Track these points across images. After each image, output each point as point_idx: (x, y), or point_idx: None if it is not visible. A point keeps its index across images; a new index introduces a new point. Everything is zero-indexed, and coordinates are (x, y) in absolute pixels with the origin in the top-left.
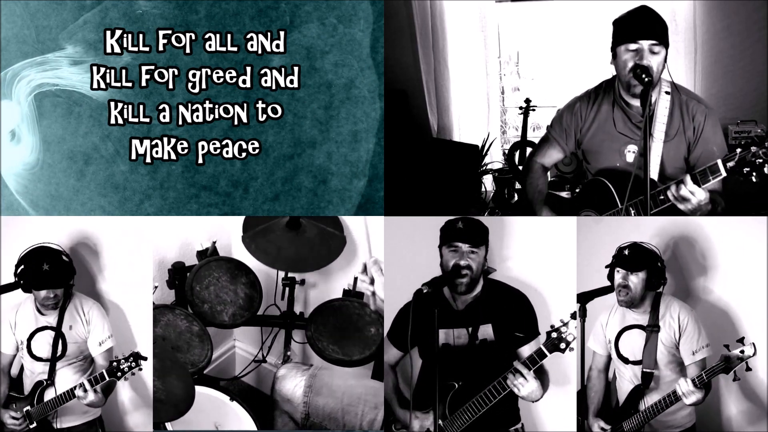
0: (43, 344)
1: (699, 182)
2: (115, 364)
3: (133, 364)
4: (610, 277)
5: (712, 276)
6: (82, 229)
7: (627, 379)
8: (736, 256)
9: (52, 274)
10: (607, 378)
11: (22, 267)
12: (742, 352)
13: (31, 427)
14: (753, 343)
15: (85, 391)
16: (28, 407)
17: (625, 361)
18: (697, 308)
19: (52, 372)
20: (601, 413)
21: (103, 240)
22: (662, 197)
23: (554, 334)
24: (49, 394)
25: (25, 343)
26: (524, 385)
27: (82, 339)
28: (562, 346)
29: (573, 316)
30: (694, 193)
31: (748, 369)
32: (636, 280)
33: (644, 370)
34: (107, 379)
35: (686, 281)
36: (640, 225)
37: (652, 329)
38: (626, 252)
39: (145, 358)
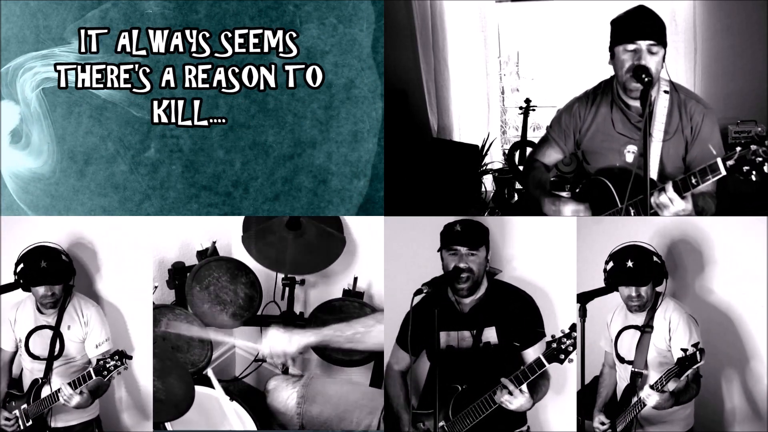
0: (41, 343)
1: (681, 190)
2: (101, 362)
3: (119, 362)
4: (611, 284)
5: (713, 276)
6: (81, 229)
7: (623, 378)
8: (736, 257)
9: (50, 271)
10: (616, 374)
11: (22, 265)
12: (692, 356)
13: (28, 425)
14: (701, 350)
15: (70, 394)
16: (25, 405)
17: (621, 360)
18: (698, 309)
19: (48, 371)
20: (606, 408)
21: (103, 240)
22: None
23: (554, 344)
24: (45, 392)
25: (23, 342)
26: (512, 401)
27: (79, 340)
28: (562, 356)
29: (573, 328)
30: (673, 201)
31: (700, 375)
32: (646, 287)
33: (633, 369)
34: (94, 378)
35: (686, 282)
36: (639, 226)
37: (645, 329)
38: (630, 264)
39: (130, 357)
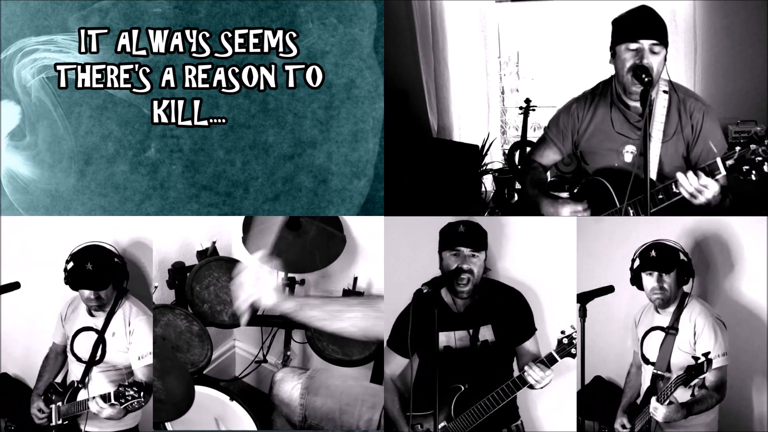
0: (84, 345)
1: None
2: (121, 389)
3: (137, 395)
4: (636, 280)
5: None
6: (82, 229)
7: (648, 379)
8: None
9: (95, 275)
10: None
11: (71, 264)
12: (701, 366)
13: (59, 423)
14: (709, 360)
15: (101, 407)
16: (61, 403)
17: (646, 361)
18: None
19: (85, 375)
20: (629, 409)
21: (103, 240)
22: (661, 196)
23: (565, 340)
24: (82, 396)
25: (70, 340)
26: (543, 379)
27: (123, 349)
28: (573, 351)
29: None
30: (707, 186)
31: (703, 386)
32: (669, 279)
33: (654, 371)
34: (112, 401)
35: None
36: (639, 227)
37: (669, 332)
38: (653, 253)
39: (150, 392)
